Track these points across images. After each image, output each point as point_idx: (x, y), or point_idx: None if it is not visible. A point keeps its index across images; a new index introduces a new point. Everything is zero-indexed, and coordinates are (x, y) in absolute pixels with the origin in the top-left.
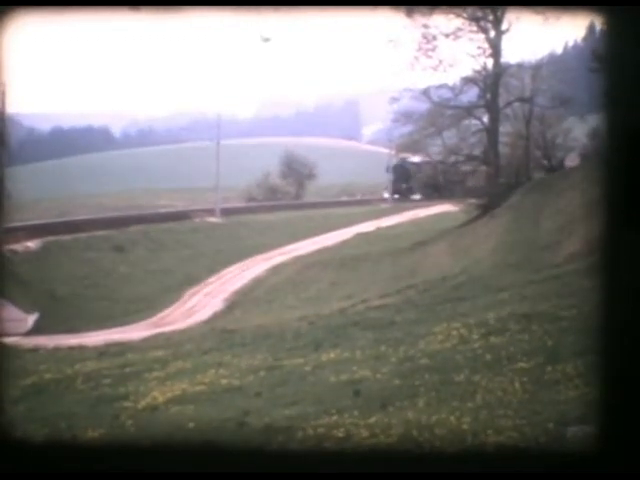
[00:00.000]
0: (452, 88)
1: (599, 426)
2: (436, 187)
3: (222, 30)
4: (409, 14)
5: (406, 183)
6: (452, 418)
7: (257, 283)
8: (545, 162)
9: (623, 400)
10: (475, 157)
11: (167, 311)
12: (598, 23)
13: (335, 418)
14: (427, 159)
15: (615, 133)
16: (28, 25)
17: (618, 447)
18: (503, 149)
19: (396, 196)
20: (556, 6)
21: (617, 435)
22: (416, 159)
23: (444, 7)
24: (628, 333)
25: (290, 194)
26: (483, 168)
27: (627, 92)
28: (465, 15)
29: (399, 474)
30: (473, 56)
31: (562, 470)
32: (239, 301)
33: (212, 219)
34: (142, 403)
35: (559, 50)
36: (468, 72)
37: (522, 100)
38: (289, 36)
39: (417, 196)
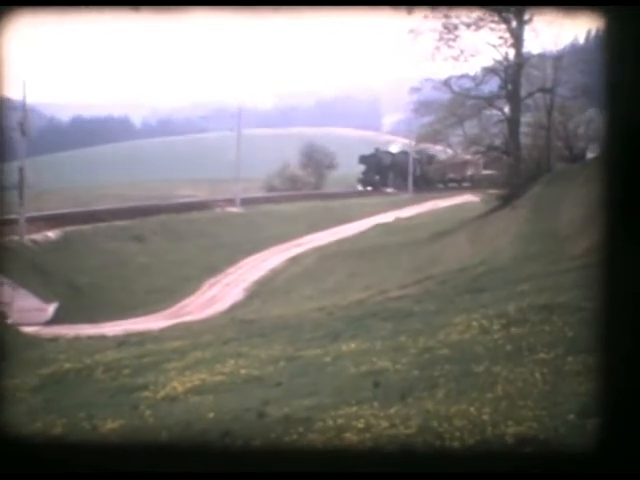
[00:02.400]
0: (473, 78)
1: (600, 426)
2: (413, 179)
3: (242, 22)
4: (410, 13)
5: (379, 174)
6: (472, 409)
7: (276, 273)
8: (566, 153)
9: (623, 401)
10: (496, 147)
11: (186, 301)
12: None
13: (354, 409)
14: (404, 149)
15: (615, 133)
16: (47, 18)
17: (619, 446)
18: (524, 139)
19: (368, 188)
20: (556, 6)
21: (618, 434)
22: (395, 149)
23: (444, 7)
24: (628, 333)
25: (310, 184)
26: (478, 160)
27: (627, 92)
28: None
29: (403, 474)
30: (494, 46)
31: (562, 470)
32: (258, 291)
33: (232, 209)
34: (161, 393)
35: (581, 40)
36: (489, 62)
37: (543, 90)
38: (309, 26)
39: (390, 189)
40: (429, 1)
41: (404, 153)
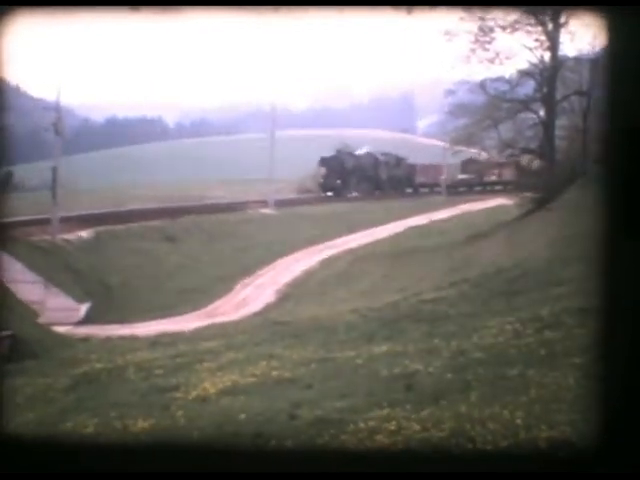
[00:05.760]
0: (509, 81)
1: (600, 426)
2: (377, 183)
3: (277, 23)
4: (410, 13)
5: (341, 178)
6: (505, 412)
7: (309, 275)
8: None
9: (623, 402)
10: (531, 151)
11: (219, 302)
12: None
13: (387, 411)
14: (368, 151)
15: (616, 133)
16: (82, 18)
17: (618, 447)
18: (559, 143)
19: (329, 194)
20: (556, 6)
21: (617, 435)
22: (363, 151)
23: (444, 7)
24: (629, 338)
25: None
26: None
27: (628, 92)
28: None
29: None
30: (530, 49)
31: (562, 470)
32: (291, 293)
33: (265, 210)
34: (193, 394)
35: None
36: (525, 65)
37: (579, 93)
38: (342, 27)
39: (354, 193)
40: (430, 1)
41: (369, 155)
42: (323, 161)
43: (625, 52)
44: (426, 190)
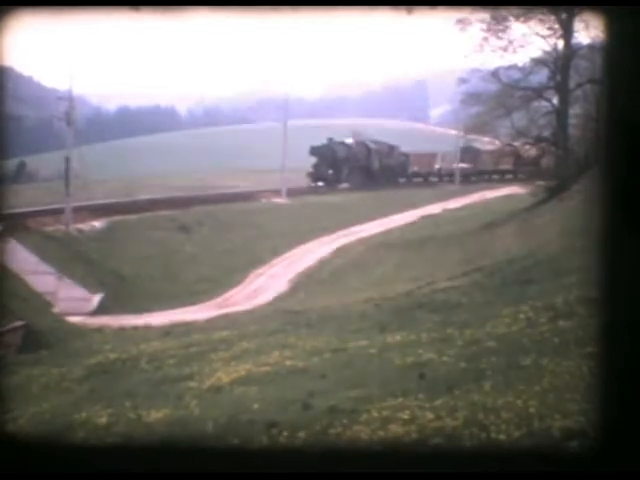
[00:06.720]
0: (522, 69)
1: (599, 426)
2: (370, 173)
3: (290, 13)
4: (410, 13)
5: (332, 168)
6: (519, 402)
7: (322, 264)
8: None
9: (623, 402)
10: (544, 139)
11: (232, 292)
12: None
13: (400, 400)
14: (359, 140)
15: (615, 131)
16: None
17: (618, 447)
18: (573, 131)
19: (320, 184)
20: (557, 6)
21: (617, 435)
22: (350, 140)
23: (443, 7)
24: (628, 336)
25: None
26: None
27: (627, 91)
28: None
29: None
30: (543, 37)
31: (562, 470)
32: (304, 282)
33: (278, 200)
34: (206, 383)
35: None
36: (538, 53)
37: (593, 82)
38: (355, 16)
39: (345, 185)
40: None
41: (361, 144)
42: (314, 150)
43: (624, 51)
44: (420, 179)
